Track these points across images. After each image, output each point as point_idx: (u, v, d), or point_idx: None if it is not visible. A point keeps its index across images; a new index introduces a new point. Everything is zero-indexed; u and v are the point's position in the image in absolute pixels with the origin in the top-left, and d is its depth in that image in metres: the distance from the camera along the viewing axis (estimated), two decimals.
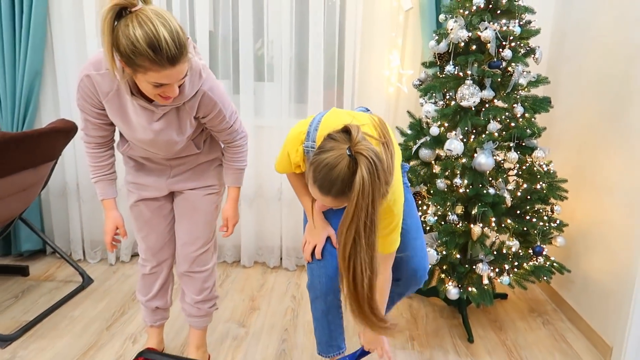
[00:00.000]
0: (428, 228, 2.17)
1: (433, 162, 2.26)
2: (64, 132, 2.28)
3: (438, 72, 2.26)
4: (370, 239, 1.23)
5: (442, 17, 2.28)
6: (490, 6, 2.07)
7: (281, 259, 2.95)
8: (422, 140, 2.20)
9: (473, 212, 2.03)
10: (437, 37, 2.21)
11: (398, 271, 1.68)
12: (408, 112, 2.43)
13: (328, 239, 1.68)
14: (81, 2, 2.61)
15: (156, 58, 1.22)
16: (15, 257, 2.95)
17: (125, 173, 1.78)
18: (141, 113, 1.48)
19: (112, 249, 1.72)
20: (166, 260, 1.86)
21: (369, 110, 1.60)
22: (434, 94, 2.21)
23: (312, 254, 1.68)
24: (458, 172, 2.05)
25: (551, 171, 2.16)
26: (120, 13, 1.22)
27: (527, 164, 2.14)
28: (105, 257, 2.98)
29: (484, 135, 2.03)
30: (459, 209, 2.12)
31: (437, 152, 2.22)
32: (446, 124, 2.15)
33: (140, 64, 1.24)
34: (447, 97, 2.23)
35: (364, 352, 1.74)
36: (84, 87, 1.46)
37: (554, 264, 2.18)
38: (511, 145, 2.07)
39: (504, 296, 2.60)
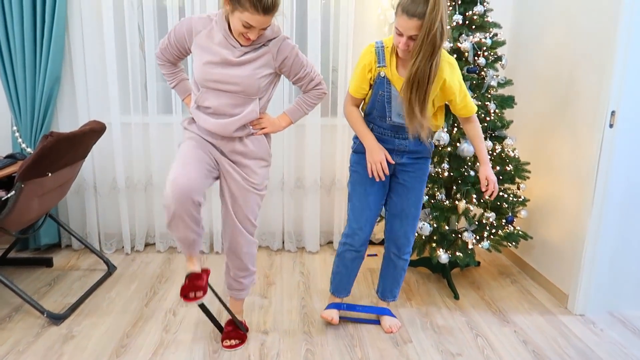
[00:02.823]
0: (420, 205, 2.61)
1: None
2: (98, 132, 2.53)
3: None
4: (437, 46, 1.75)
5: None
6: (467, 22, 2.53)
7: (283, 242, 3.32)
8: None
9: (454, 191, 2.50)
10: None
11: (398, 242, 2.22)
12: None
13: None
14: (100, 11, 2.86)
15: (257, 3, 1.67)
16: (32, 251, 3.14)
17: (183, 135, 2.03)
18: (226, 47, 1.85)
19: None
20: (192, 203, 1.81)
21: None
22: None
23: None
24: (445, 158, 2.50)
25: (516, 156, 2.65)
26: None
27: (498, 150, 2.62)
28: (120, 247, 3.23)
29: None
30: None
31: None
32: None
33: (242, 4, 1.69)
34: None
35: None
36: (181, 25, 1.90)
37: (520, 232, 2.68)
38: (486, 135, 2.55)
39: (477, 264, 3.09)
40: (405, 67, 1.90)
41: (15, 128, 2.92)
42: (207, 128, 1.93)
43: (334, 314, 2.32)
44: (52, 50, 2.78)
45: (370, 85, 2.03)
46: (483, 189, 2.10)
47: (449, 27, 2.54)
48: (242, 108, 1.92)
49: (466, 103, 2.03)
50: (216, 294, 2.16)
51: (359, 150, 2.13)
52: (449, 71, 1.92)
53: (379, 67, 1.97)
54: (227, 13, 1.78)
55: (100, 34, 2.90)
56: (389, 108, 2.00)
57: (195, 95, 1.95)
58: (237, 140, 1.97)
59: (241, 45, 1.85)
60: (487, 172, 2.09)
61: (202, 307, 2.11)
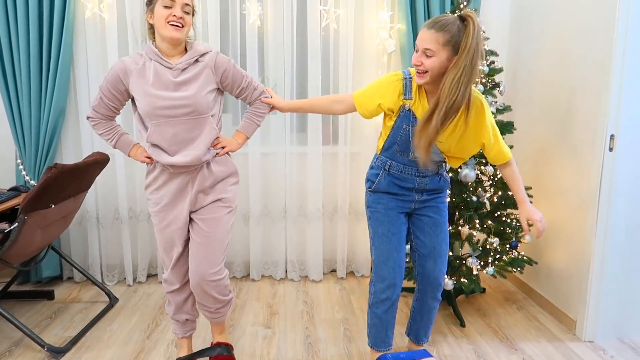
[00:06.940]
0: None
1: None
2: (102, 163, 2.55)
3: None
4: (471, 76, 1.65)
5: None
6: None
7: (286, 271, 3.29)
8: None
9: (457, 216, 2.49)
10: None
11: (433, 283, 2.07)
12: None
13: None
14: (104, 45, 2.93)
15: None
16: (33, 284, 3.12)
17: (150, 205, 2.04)
18: (163, 70, 1.83)
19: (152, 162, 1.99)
20: (189, 279, 2.05)
21: None
22: None
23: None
24: None
25: None
26: None
27: (499, 176, 2.62)
28: (122, 279, 3.21)
29: None
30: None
31: None
32: None
33: None
34: None
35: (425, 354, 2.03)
36: (113, 69, 1.86)
37: (524, 258, 2.66)
38: (486, 160, 2.56)
39: (482, 290, 3.05)
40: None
41: (19, 161, 2.95)
42: (174, 163, 1.87)
43: None
44: (57, 83, 2.83)
45: (381, 110, 1.90)
46: (526, 232, 1.94)
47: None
48: (199, 130, 1.88)
49: (499, 148, 1.90)
50: None
51: (377, 190, 1.98)
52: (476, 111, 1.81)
53: (404, 99, 1.82)
54: (151, 27, 1.88)
55: (105, 67, 2.96)
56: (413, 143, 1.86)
57: (145, 135, 1.89)
58: (204, 167, 1.94)
59: (176, 65, 1.84)
60: (528, 213, 1.91)
61: None
